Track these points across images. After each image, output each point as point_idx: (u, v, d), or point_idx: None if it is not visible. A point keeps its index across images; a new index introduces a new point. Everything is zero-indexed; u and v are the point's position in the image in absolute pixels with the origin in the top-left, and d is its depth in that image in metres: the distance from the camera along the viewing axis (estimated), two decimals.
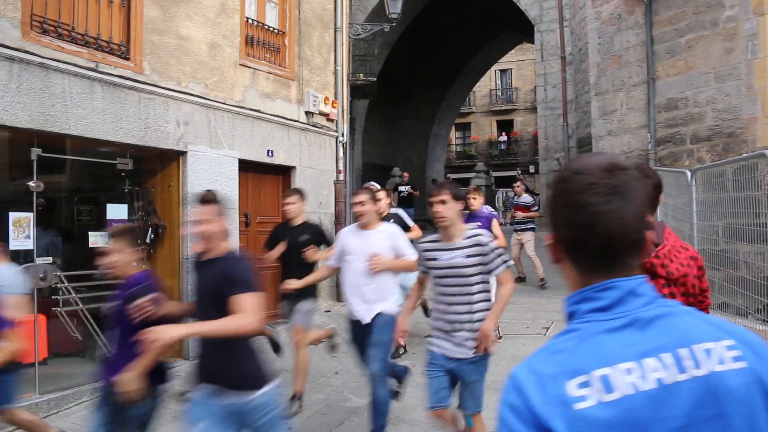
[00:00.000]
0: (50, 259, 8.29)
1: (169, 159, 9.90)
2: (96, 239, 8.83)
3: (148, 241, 9.56)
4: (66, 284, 8.33)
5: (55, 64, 7.88)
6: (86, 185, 10.49)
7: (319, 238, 8.10)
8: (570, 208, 1.48)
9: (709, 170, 8.76)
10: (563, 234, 1.53)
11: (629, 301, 1.47)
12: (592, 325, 1.46)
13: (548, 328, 10.58)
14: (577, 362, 1.39)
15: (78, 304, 8.49)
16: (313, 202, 12.88)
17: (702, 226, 8.69)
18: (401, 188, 22.55)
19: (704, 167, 8.80)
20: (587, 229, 1.46)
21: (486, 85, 48.04)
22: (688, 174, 8.67)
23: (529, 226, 14.11)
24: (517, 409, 1.38)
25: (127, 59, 8.93)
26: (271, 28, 12.14)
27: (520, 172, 37.03)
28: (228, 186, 10.58)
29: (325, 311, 12.78)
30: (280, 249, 7.94)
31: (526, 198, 14.42)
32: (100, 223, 9.21)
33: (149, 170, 10.07)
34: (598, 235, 1.45)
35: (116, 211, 9.11)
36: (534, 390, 1.37)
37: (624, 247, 1.47)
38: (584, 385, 1.36)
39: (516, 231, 14.28)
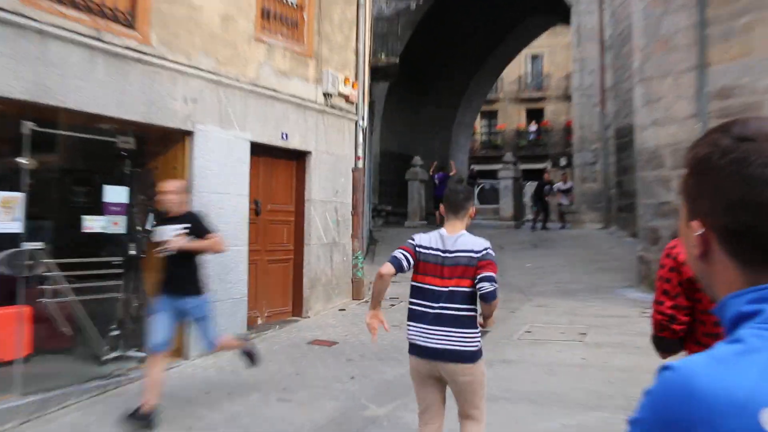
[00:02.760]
0: (40, 245, 8.04)
1: (175, 139, 9.66)
2: (91, 224, 8.58)
3: (149, 227, 9.32)
4: (56, 273, 8.08)
5: (53, 30, 7.60)
6: (82, 164, 10.28)
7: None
8: (743, 185, 1.20)
9: None
10: (726, 219, 1.23)
11: None
12: None
13: (585, 334, 10.30)
14: None
15: (68, 295, 8.23)
16: (329, 189, 12.63)
17: None
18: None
19: None
20: None
21: (515, 70, 47.58)
22: None
23: None
24: None
25: (133, 29, 8.65)
26: (288, 2, 11.87)
27: (550, 164, 36.67)
28: (238, 171, 10.36)
29: (340, 310, 12.54)
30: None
31: None
32: (96, 206, 8.96)
33: (152, 151, 9.84)
34: None
35: (115, 194, 8.83)
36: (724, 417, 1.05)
37: None
38: None
39: None
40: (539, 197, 24.23)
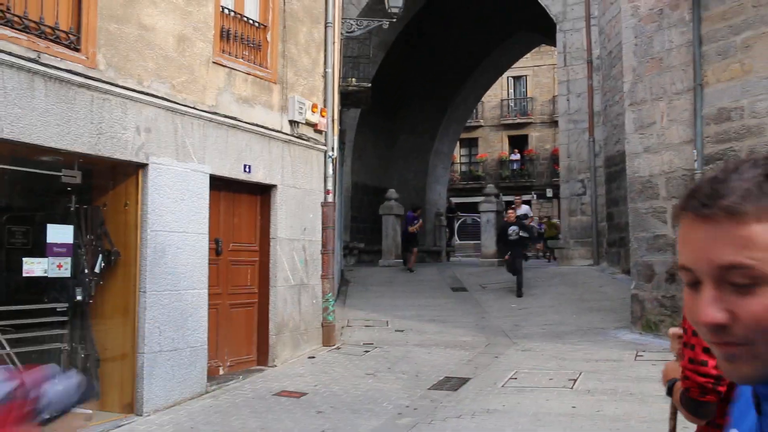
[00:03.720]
0: None
1: (127, 172, 9.57)
2: (32, 267, 8.41)
3: (97, 270, 9.18)
4: None
5: None
6: (21, 201, 10.10)
7: None
8: None
9: None
10: None
11: None
12: None
13: (575, 380, 10.23)
14: None
15: (4, 347, 8.05)
16: (297, 227, 12.54)
17: None
18: None
19: None
20: None
21: (496, 94, 47.88)
22: None
23: None
24: None
25: (78, 50, 8.58)
26: (250, 21, 11.84)
27: (535, 196, 36.78)
28: (196, 206, 10.26)
29: (309, 357, 12.40)
30: None
31: None
32: (38, 247, 8.80)
33: (101, 185, 9.73)
34: None
35: (59, 234, 8.71)
36: None
37: None
38: None
39: None
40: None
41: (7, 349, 8.04)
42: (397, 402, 9.71)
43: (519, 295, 17.84)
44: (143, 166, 9.46)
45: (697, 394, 2.98)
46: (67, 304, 8.88)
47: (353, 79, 20.01)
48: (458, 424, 8.58)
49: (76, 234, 8.96)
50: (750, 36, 11.02)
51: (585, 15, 22.39)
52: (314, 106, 13.07)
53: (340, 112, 16.78)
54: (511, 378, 10.62)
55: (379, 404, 9.65)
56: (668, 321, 12.37)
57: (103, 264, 9.30)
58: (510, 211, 20.80)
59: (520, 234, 18.69)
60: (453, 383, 10.59)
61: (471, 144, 50.78)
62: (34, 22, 8.09)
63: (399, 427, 8.61)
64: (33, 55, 7.96)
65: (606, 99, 20.96)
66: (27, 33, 7.99)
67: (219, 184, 10.97)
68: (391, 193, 26.31)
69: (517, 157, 49.11)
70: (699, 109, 11.77)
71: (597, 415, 8.63)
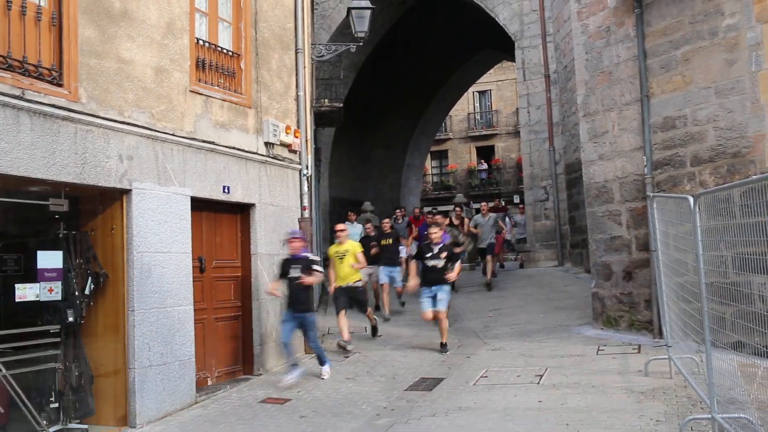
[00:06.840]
0: None
1: (112, 198, 9.59)
2: (24, 292, 8.43)
3: (87, 292, 9.18)
4: None
5: None
6: (12, 230, 10.07)
7: None
8: None
9: (714, 195, 8.54)
10: None
11: None
12: None
13: (542, 376, 10.30)
14: None
15: (1, 370, 8.04)
16: (276, 242, 12.59)
17: (708, 256, 8.45)
18: None
19: (708, 192, 8.56)
20: None
21: (463, 108, 48.16)
22: (691, 200, 8.43)
23: None
24: None
25: (60, 86, 8.60)
26: (224, 50, 11.90)
27: (503, 203, 36.86)
28: (179, 227, 10.29)
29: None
30: None
31: None
32: (30, 273, 8.82)
33: (88, 211, 9.75)
34: None
35: (49, 259, 8.72)
36: None
37: None
38: None
39: None
40: None
41: (4, 371, 8.01)
42: (375, 404, 9.78)
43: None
44: (127, 191, 9.49)
45: None
46: (59, 326, 8.86)
47: (326, 100, 20.13)
48: (433, 422, 8.63)
49: (66, 258, 8.96)
50: (689, 50, 11.20)
51: (541, 33, 22.66)
52: (288, 127, 13.13)
53: (315, 132, 16.87)
54: (482, 376, 10.69)
55: (359, 406, 9.71)
56: (627, 316, 12.53)
57: (92, 286, 9.29)
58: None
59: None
60: (428, 384, 10.66)
61: (441, 156, 51.01)
62: (18, 60, 8.09)
63: (377, 427, 8.66)
64: (17, 92, 7.97)
65: (564, 110, 21.17)
66: (11, 71, 7.99)
67: (200, 205, 11.01)
68: (367, 205, 26.31)
69: (485, 166, 49.38)
70: (646, 119, 11.93)
71: (562, 408, 8.70)
